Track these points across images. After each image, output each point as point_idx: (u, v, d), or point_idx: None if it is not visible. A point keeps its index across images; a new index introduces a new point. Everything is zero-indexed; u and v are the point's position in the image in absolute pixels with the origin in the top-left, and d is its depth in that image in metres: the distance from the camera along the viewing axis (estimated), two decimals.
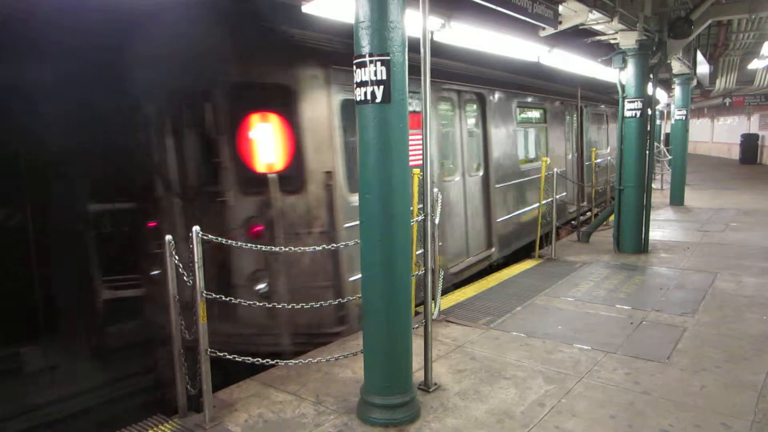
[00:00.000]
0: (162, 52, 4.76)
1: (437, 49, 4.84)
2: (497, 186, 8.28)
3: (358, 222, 3.67)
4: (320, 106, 5.20)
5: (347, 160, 5.39)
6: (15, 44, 5.25)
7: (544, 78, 10.22)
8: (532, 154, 10.19)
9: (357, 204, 3.72)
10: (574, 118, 12.50)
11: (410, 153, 3.62)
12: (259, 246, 4.15)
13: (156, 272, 5.53)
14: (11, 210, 6.13)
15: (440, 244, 6.04)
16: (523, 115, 9.76)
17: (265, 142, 5.08)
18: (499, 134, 8.42)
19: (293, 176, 5.11)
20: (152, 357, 5.61)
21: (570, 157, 12.11)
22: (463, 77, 7.61)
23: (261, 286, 5.14)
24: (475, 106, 7.98)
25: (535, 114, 10.55)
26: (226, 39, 4.82)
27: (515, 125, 9.12)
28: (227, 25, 4.81)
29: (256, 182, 5.04)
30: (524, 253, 8.78)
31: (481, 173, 8.02)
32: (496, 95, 8.39)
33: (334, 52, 5.35)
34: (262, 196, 5.02)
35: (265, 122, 5.09)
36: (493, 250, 8.05)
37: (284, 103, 5.10)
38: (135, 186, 5.94)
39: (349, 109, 5.29)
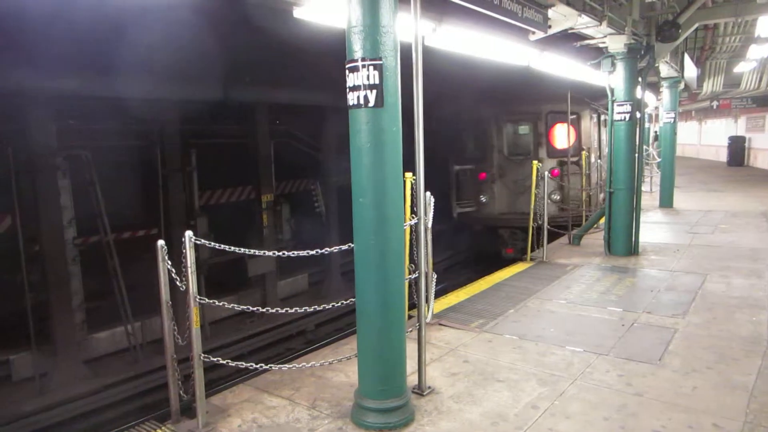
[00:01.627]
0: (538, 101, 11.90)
1: (590, 90, 11.95)
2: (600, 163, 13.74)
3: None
4: (585, 121, 12.12)
5: (593, 143, 12.51)
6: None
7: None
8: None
9: (593, 161, 12.27)
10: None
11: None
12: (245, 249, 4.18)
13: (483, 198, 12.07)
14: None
15: (591, 193, 12.23)
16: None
17: (564, 135, 11.27)
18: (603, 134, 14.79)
19: (574, 150, 11.39)
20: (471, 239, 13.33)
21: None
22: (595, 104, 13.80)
23: (555, 196, 11.55)
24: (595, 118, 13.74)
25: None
26: (559, 95, 10.84)
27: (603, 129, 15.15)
28: (564, 90, 10.50)
29: (555, 151, 11.73)
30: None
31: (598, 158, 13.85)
32: (599, 112, 14.12)
33: (586, 101, 12.09)
34: (558, 158, 11.62)
35: (563, 126, 11.19)
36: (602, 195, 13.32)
37: (575, 119, 11.60)
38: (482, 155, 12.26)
39: (592, 121, 12.59)
